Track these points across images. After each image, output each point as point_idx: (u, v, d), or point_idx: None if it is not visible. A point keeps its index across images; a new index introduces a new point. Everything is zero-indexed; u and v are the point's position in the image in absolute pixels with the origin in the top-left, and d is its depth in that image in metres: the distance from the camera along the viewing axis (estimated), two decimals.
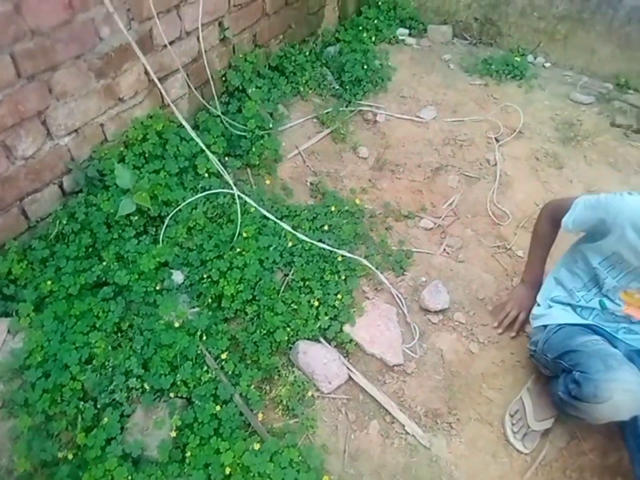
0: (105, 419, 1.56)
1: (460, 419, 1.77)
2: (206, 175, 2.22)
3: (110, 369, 1.67)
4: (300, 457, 1.55)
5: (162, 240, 1.99)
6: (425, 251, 2.29)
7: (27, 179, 1.83)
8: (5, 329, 1.70)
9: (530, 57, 3.36)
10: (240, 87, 2.60)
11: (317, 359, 1.82)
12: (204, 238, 2.03)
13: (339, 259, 2.07)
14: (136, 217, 1.98)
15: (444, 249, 2.30)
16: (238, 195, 2.07)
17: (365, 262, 2.10)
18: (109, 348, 1.71)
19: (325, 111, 2.84)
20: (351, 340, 1.91)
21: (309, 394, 1.77)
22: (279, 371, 1.82)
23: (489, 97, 3.09)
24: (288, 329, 1.86)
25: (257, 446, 1.52)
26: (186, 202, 2.05)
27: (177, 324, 1.75)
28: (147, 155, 2.13)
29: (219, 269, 1.93)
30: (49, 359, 1.64)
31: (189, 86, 2.38)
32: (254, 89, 2.58)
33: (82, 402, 1.60)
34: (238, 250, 1.99)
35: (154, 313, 1.79)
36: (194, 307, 1.92)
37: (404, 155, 2.73)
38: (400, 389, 1.84)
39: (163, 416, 1.60)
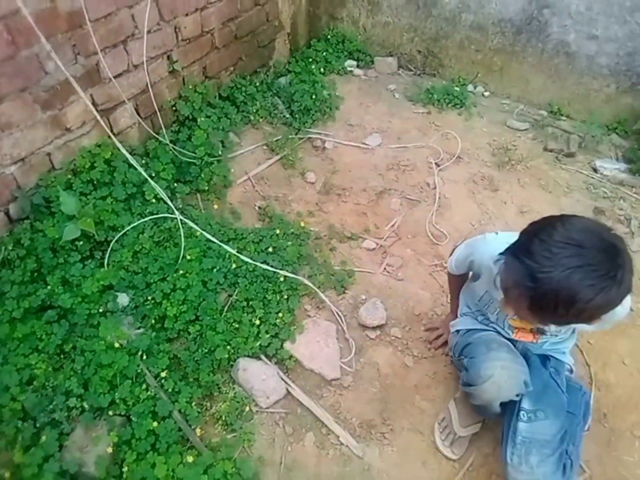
0: (44, 438, 1.59)
1: (393, 429, 1.85)
2: (154, 200, 2.29)
3: (50, 389, 1.70)
4: (234, 469, 1.60)
5: (108, 264, 2.06)
6: (367, 270, 2.39)
7: None
8: None
9: (470, 87, 3.54)
10: (191, 117, 2.70)
11: (256, 375, 1.89)
12: (149, 261, 2.09)
13: (282, 279, 2.16)
14: (82, 242, 2.03)
15: (385, 268, 2.41)
16: (181, 220, 2.15)
17: (306, 281, 2.20)
18: (50, 369, 1.75)
19: (275, 138, 2.97)
20: (291, 357, 1.98)
21: (247, 409, 1.83)
22: (219, 388, 1.88)
23: (430, 124, 3.26)
24: (229, 347, 1.93)
25: (191, 459, 1.58)
26: (131, 226, 2.12)
27: (117, 345, 1.80)
28: (95, 182, 2.19)
29: (162, 291, 2.00)
30: None
31: (139, 115, 2.47)
32: (203, 118, 2.69)
33: (21, 422, 1.62)
34: (181, 272, 2.06)
35: (96, 335, 1.84)
36: (138, 328, 1.98)
37: (350, 180, 2.86)
38: (337, 402, 1.91)
39: (102, 434, 1.64)
